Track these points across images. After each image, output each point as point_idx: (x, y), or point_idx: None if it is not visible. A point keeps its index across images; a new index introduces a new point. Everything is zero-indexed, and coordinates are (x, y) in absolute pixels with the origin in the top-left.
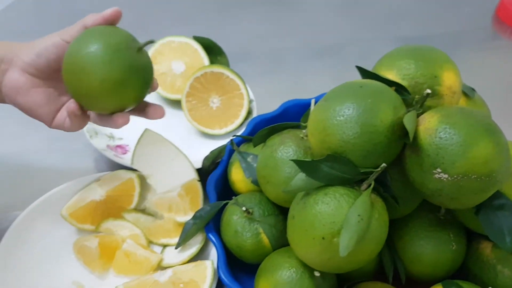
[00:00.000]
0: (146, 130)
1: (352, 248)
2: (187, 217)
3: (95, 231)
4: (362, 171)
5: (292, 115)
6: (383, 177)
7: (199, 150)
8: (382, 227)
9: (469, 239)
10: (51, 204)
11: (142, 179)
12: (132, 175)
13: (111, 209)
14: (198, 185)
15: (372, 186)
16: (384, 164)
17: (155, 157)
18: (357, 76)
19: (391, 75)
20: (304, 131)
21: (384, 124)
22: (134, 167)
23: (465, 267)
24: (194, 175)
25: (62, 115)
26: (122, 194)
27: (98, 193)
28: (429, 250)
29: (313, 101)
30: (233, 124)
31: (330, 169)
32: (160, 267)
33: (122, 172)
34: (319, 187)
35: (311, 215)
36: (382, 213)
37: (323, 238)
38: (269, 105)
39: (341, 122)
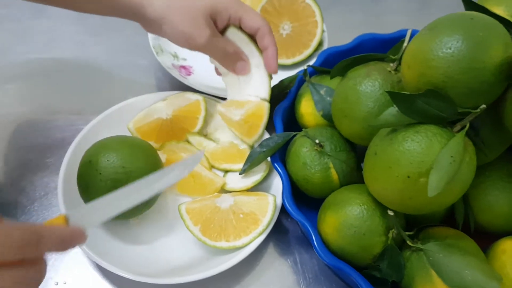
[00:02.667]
0: (231, 26)
1: (441, 189)
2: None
3: (159, 150)
4: (459, 110)
5: (368, 50)
6: (475, 120)
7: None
8: (471, 172)
9: None
10: (118, 117)
11: (208, 103)
12: (199, 97)
13: (175, 129)
14: (265, 107)
15: (467, 128)
16: (484, 105)
17: None
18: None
19: (498, 11)
20: (391, 64)
21: (493, 61)
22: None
23: None
24: (265, 94)
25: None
26: (187, 116)
27: (164, 112)
28: (503, 201)
29: (409, 32)
30: (302, 54)
31: (426, 105)
32: (223, 190)
33: (189, 94)
34: (409, 124)
35: (398, 152)
36: (472, 157)
37: (408, 176)
38: (338, 40)
39: (447, 54)
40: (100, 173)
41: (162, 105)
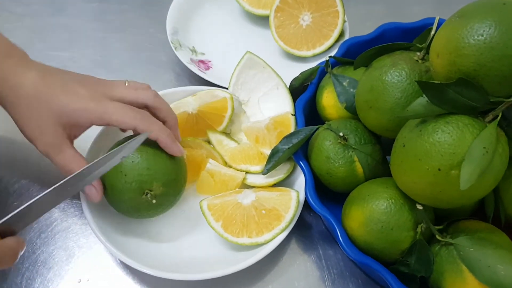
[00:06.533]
0: (248, 52)
1: (473, 181)
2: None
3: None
4: (491, 100)
5: (390, 40)
6: (507, 110)
7: (282, 73)
8: (504, 163)
9: None
10: None
11: (236, 102)
12: (227, 95)
13: (200, 125)
14: (291, 119)
15: (499, 117)
16: None
17: (253, 83)
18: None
19: None
20: (418, 53)
21: None
22: (230, 90)
23: None
24: (289, 108)
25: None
26: (213, 113)
27: (191, 106)
28: None
29: (437, 19)
30: (323, 45)
31: (457, 94)
32: (244, 185)
33: (218, 91)
34: (439, 114)
35: (428, 144)
36: (505, 148)
37: (439, 169)
38: (359, 31)
39: (479, 42)
40: (125, 175)
41: (191, 100)
